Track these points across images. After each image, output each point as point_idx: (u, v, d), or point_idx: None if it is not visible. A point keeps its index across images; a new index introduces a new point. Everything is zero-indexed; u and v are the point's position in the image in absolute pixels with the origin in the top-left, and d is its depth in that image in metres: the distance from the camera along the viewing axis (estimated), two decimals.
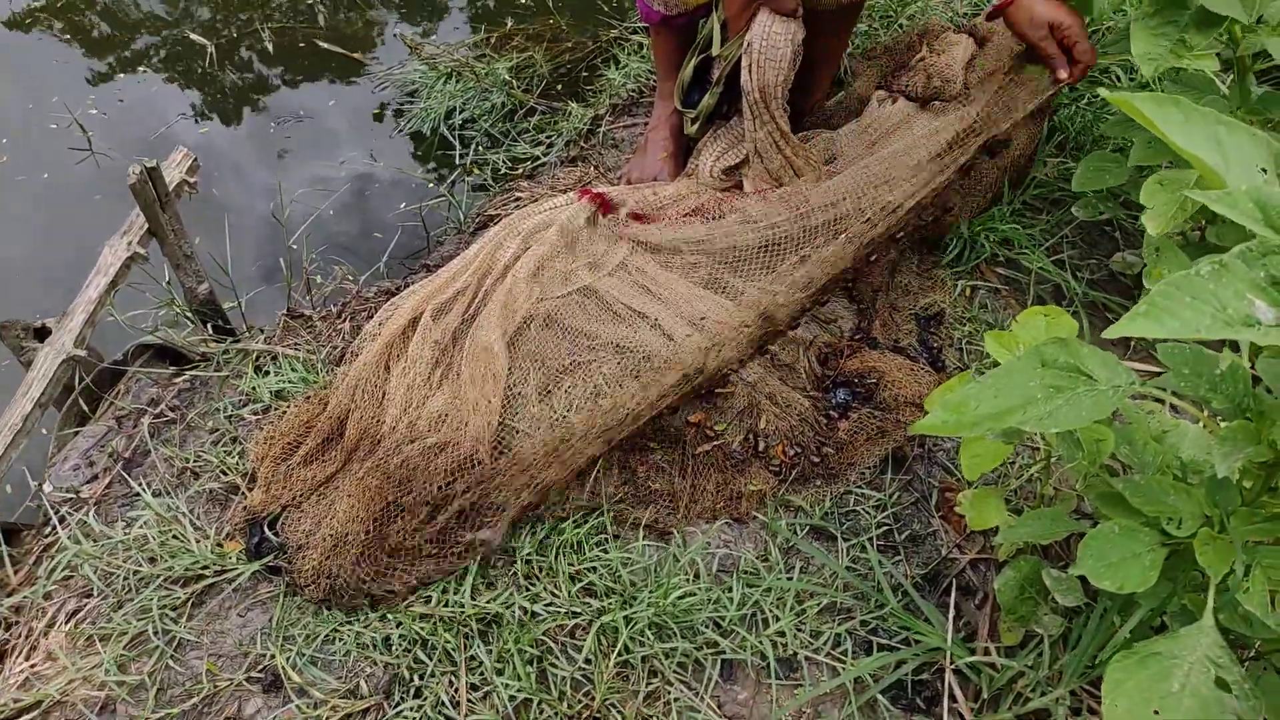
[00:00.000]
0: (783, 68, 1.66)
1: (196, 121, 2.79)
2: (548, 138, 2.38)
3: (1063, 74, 1.65)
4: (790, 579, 1.39)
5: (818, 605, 1.36)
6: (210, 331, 1.89)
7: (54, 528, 1.48)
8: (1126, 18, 1.59)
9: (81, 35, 3.13)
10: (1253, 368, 1.01)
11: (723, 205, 1.79)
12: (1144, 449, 1.17)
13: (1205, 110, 0.94)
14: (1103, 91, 0.97)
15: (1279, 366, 0.99)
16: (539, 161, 2.31)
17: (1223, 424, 0.97)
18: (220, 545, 1.42)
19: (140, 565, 1.40)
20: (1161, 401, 1.17)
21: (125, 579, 1.39)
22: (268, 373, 1.66)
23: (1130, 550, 1.01)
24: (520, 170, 2.36)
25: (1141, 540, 1.02)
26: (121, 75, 2.94)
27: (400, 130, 2.68)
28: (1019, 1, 1.63)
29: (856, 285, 1.82)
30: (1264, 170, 0.92)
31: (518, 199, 2.03)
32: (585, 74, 2.70)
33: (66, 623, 1.37)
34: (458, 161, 2.53)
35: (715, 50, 1.80)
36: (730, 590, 1.36)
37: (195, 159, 1.91)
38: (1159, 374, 1.61)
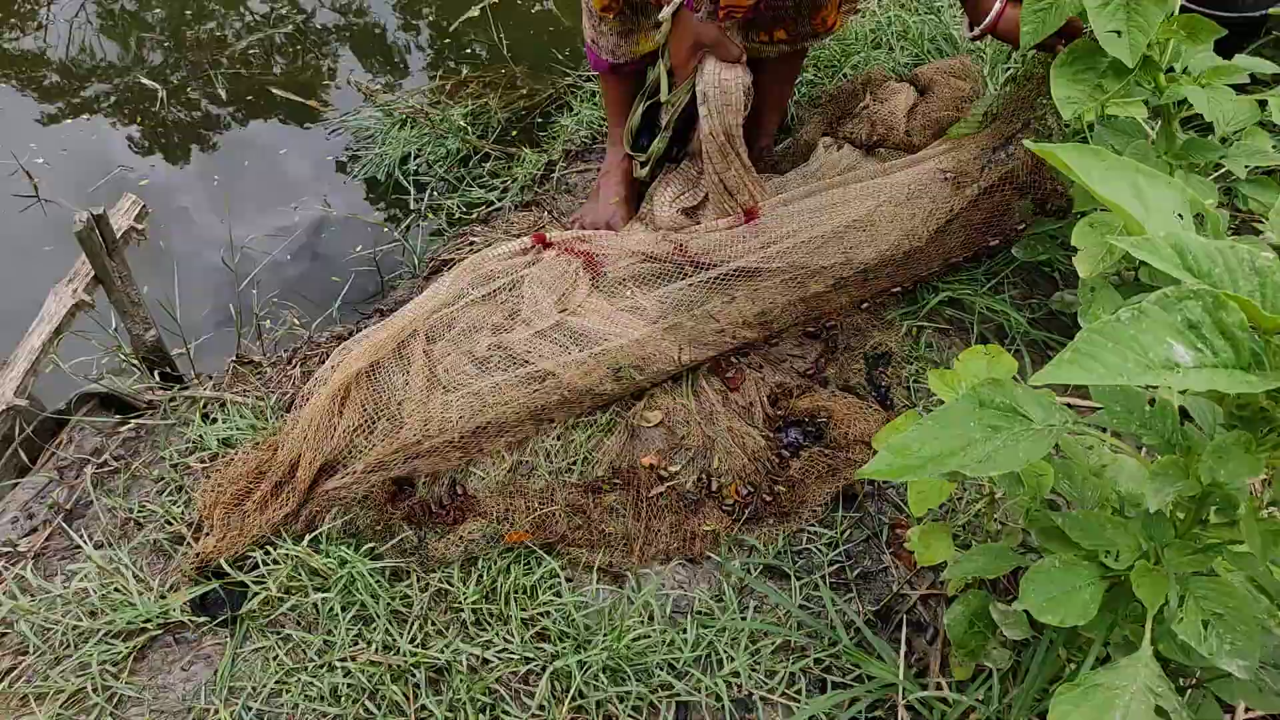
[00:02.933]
0: (739, 110, 1.72)
1: (149, 167, 2.76)
2: (502, 182, 2.40)
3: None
4: (744, 619, 1.40)
5: (772, 644, 1.37)
6: (157, 379, 1.86)
7: None
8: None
9: (27, 80, 3.10)
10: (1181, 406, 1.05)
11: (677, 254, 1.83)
12: (1083, 483, 1.20)
13: (1124, 160, 0.98)
14: (1026, 143, 1.01)
15: (1204, 402, 1.03)
16: (493, 206, 2.32)
17: (1152, 460, 1.00)
18: (164, 597, 1.39)
19: (80, 620, 1.36)
20: (1105, 430, 1.20)
21: (64, 634, 1.35)
22: (215, 420, 1.64)
23: (1071, 584, 1.03)
24: (475, 215, 2.37)
25: (1081, 574, 1.04)
26: (69, 121, 2.92)
27: (355, 176, 2.69)
28: (1010, 16, 1.70)
29: (817, 323, 1.86)
30: (1180, 216, 0.97)
31: (472, 243, 2.04)
32: (540, 120, 2.73)
33: (0, 682, 1.33)
34: (412, 206, 2.54)
35: (663, 96, 1.84)
36: (685, 631, 1.36)
37: (144, 205, 1.90)
38: (1098, 408, 1.66)
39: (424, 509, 1.47)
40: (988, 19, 1.74)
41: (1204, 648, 0.94)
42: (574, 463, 1.57)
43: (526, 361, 1.64)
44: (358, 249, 2.49)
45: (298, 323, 2.09)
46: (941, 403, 1.39)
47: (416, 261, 2.33)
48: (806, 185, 1.87)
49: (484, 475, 1.54)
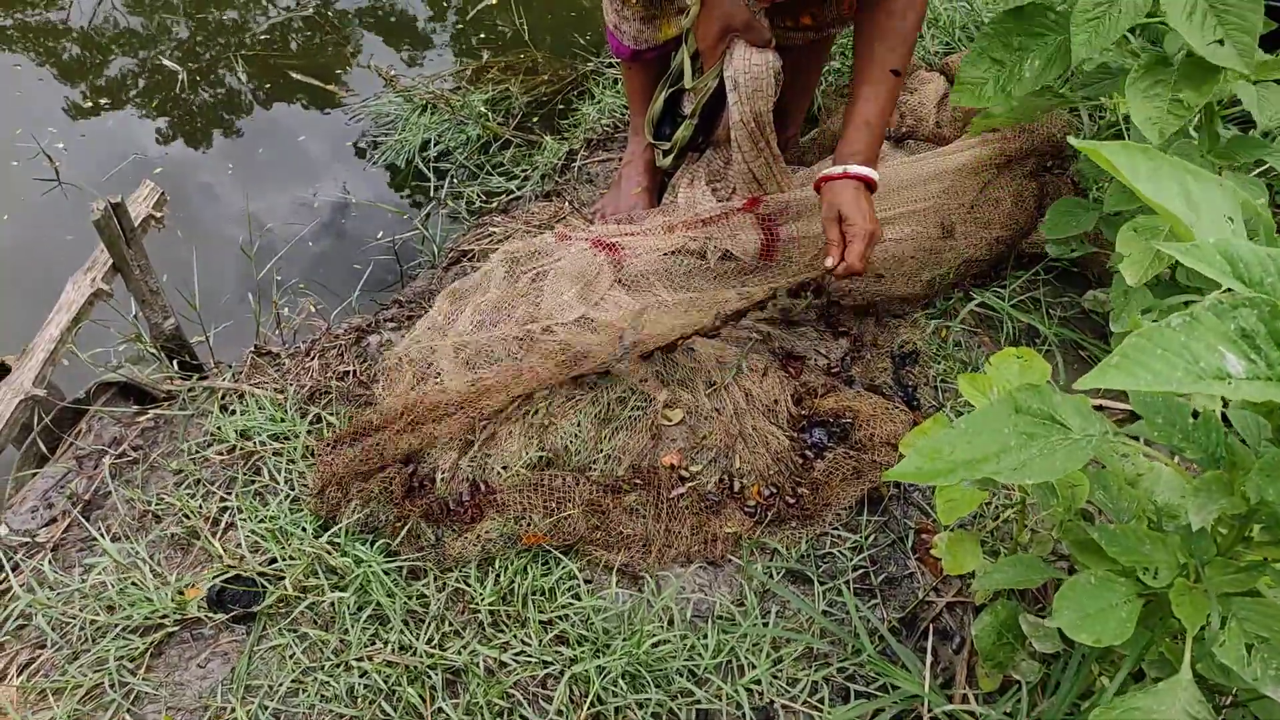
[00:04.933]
0: (769, 95, 1.68)
1: (166, 153, 2.75)
2: (522, 171, 2.37)
3: (829, 262, 1.57)
4: (766, 625, 1.37)
5: (794, 652, 1.34)
6: (176, 368, 1.85)
7: (7, 575, 1.43)
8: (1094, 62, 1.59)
9: (48, 62, 3.09)
10: (1224, 417, 1.01)
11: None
12: (1119, 494, 1.17)
13: (1173, 159, 0.94)
14: (1071, 140, 0.97)
15: (1250, 416, 0.99)
16: (513, 195, 2.29)
17: (1196, 476, 0.96)
18: (181, 593, 1.38)
19: (98, 614, 1.35)
20: (1138, 438, 1.17)
21: (81, 629, 1.35)
22: (234, 412, 1.63)
23: (1107, 601, 1.00)
24: (495, 204, 2.35)
25: (1118, 591, 1.01)
26: (89, 104, 2.91)
27: (375, 162, 2.66)
28: (834, 185, 1.59)
29: (840, 315, 1.82)
30: (1231, 220, 0.92)
31: (491, 233, 2.01)
32: (561, 106, 2.70)
33: (19, 676, 1.32)
34: (432, 194, 2.52)
35: (688, 83, 1.80)
36: (705, 637, 1.34)
37: (163, 193, 1.88)
38: (1135, 415, 1.62)
39: (442, 507, 1.46)
40: (835, 170, 1.60)
41: (1247, 673, 0.91)
42: (594, 461, 1.55)
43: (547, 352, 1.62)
44: (379, 235, 2.47)
45: (314, 310, 2.07)
46: (971, 407, 1.36)
47: (436, 250, 2.31)
48: None
49: (502, 471, 1.51)
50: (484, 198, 2.38)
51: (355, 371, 1.66)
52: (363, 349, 1.73)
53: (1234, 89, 1.45)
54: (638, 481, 1.52)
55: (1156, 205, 0.91)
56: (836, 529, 1.51)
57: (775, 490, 1.53)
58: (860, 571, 1.46)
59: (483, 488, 1.49)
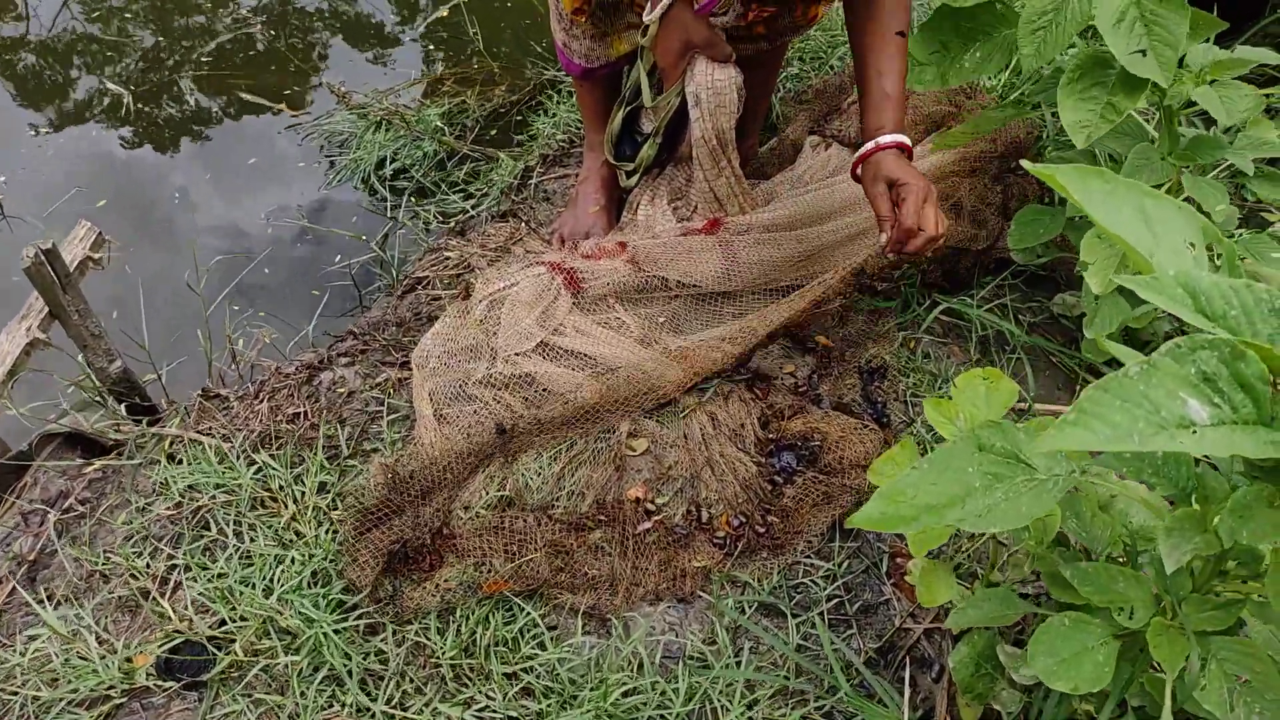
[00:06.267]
0: (732, 112, 1.64)
1: (112, 181, 2.67)
2: (479, 189, 2.31)
3: (883, 238, 1.46)
4: (739, 664, 1.33)
5: (769, 692, 1.30)
6: (125, 412, 1.78)
7: None
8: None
9: None
10: None
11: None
12: (1092, 522, 1.13)
13: (1130, 182, 0.90)
14: (1024, 163, 0.93)
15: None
16: (470, 215, 2.24)
17: (1167, 513, 0.93)
18: (129, 660, 1.32)
19: (40, 690, 1.29)
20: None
21: (24, 705, 1.29)
22: (181, 461, 1.57)
23: (1082, 644, 0.96)
24: (452, 223, 2.29)
25: (1093, 632, 0.97)
26: (32, 133, 2.82)
27: (330, 184, 2.60)
28: (872, 159, 1.48)
29: (806, 333, 1.78)
30: (1192, 245, 0.89)
31: (446, 258, 1.96)
32: (519, 117, 2.64)
33: None
34: (389, 214, 2.46)
35: (648, 102, 1.75)
36: (676, 681, 1.30)
37: (100, 233, 1.81)
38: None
39: (401, 554, 1.40)
40: (867, 146, 1.50)
41: (1230, 718, 0.88)
42: (556, 498, 1.50)
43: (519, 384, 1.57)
44: (336, 260, 2.41)
45: (269, 342, 2.01)
46: (938, 433, 1.32)
47: (395, 274, 2.25)
48: (794, 193, 1.79)
49: (463, 513, 1.46)
50: (441, 218, 2.32)
51: (306, 413, 1.60)
52: (314, 388, 1.67)
53: (1191, 94, 1.42)
54: (602, 518, 1.47)
55: (1113, 235, 0.87)
56: (809, 556, 1.47)
57: (744, 519, 1.49)
58: (835, 601, 1.42)
59: (444, 532, 1.44)
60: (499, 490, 1.48)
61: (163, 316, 2.24)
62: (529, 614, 1.34)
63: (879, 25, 1.52)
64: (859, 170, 1.55)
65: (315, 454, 1.51)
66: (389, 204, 2.47)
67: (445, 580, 1.35)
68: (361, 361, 1.73)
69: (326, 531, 1.42)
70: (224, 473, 1.50)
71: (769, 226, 1.73)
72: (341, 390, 1.66)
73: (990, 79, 2.22)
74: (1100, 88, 1.29)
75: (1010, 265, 1.90)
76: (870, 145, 1.51)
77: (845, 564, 1.46)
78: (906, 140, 1.51)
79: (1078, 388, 1.74)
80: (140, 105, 2.88)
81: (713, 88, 1.58)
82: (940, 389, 1.71)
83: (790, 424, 1.59)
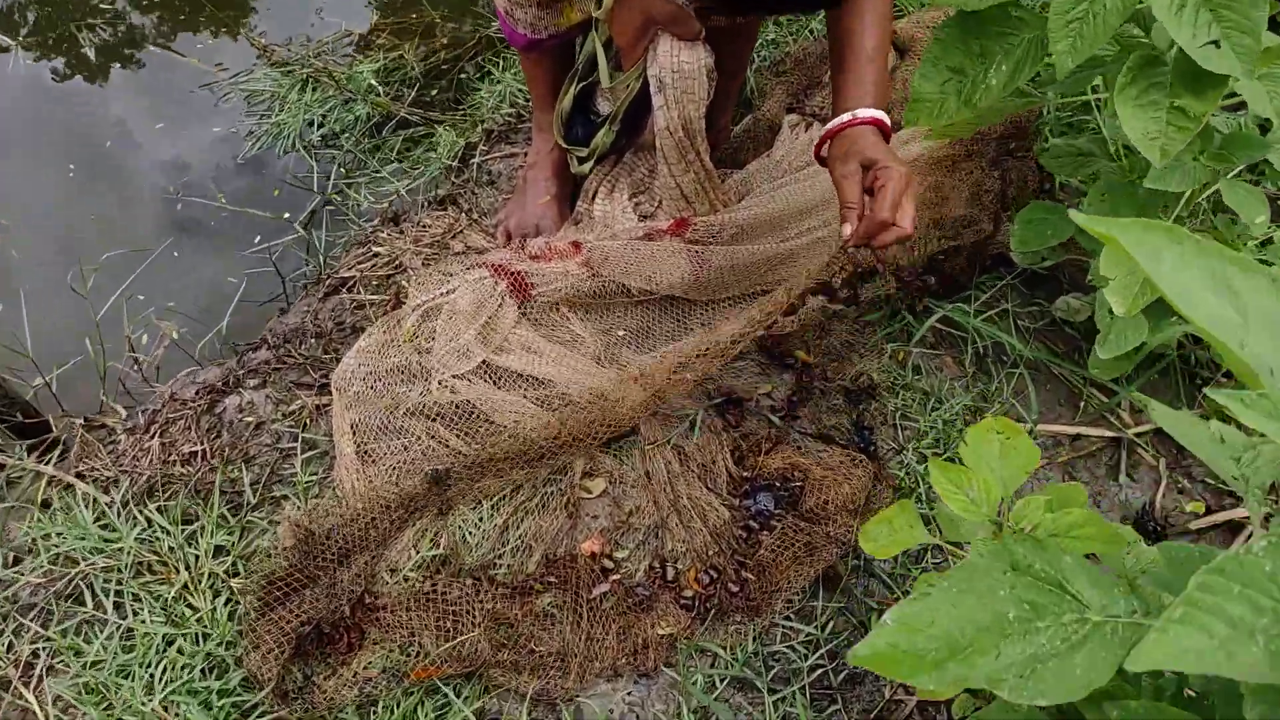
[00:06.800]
0: (701, 98, 1.40)
1: None
2: (415, 167, 2.05)
3: (846, 230, 1.19)
4: None
5: None
6: (4, 433, 1.54)
7: None
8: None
9: None
10: None
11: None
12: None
13: (1205, 243, 0.69)
14: (1074, 215, 0.72)
15: None
16: (404, 198, 1.98)
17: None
18: None
19: None
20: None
21: None
22: (54, 511, 1.33)
23: None
24: (386, 204, 2.03)
25: None
26: None
27: (249, 152, 2.31)
28: (845, 134, 1.22)
29: (784, 348, 1.58)
30: None
31: (375, 254, 1.71)
32: (463, 76, 2.36)
33: None
34: (316, 189, 2.19)
35: (605, 81, 1.51)
36: None
37: None
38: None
39: (314, 634, 1.20)
40: (841, 119, 1.24)
41: None
42: (498, 554, 1.30)
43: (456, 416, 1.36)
44: (256, 241, 2.15)
45: (175, 339, 1.77)
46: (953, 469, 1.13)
47: (322, 261, 2.00)
48: (771, 186, 1.57)
49: (388, 576, 1.26)
50: (373, 199, 2.06)
51: (205, 452, 1.37)
52: (216, 417, 1.44)
53: (1234, 87, 1.21)
54: (552, 579, 1.28)
55: (1189, 314, 0.67)
56: (788, 618, 1.29)
57: (715, 575, 1.30)
58: (818, 672, 1.25)
59: (365, 601, 1.23)
60: (431, 548, 1.28)
61: (55, 312, 1.97)
62: (463, 712, 1.14)
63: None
64: (825, 149, 1.29)
65: (212, 509, 1.28)
66: (315, 177, 2.21)
67: (366, 666, 1.15)
68: (274, 383, 1.49)
69: (225, 604, 1.21)
70: (102, 536, 1.27)
71: (744, 227, 1.51)
72: (249, 420, 1.43)
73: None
74: (1157, 90, 1.07)
75: (1008, 262, 1.71)
76: (845, 118, 1.23)
77: (830, 625, 1.29)
78: (886, 119, 1.25)
79: (1081, 404, 1.57)
80: (31, 58, 2.54)
81: (679, 71, 1.34)
82: (932, 411, 1.52)
83: (768, 460, 1.40)
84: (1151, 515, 1.48)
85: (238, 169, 2.31)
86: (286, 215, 2.19)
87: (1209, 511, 1.46)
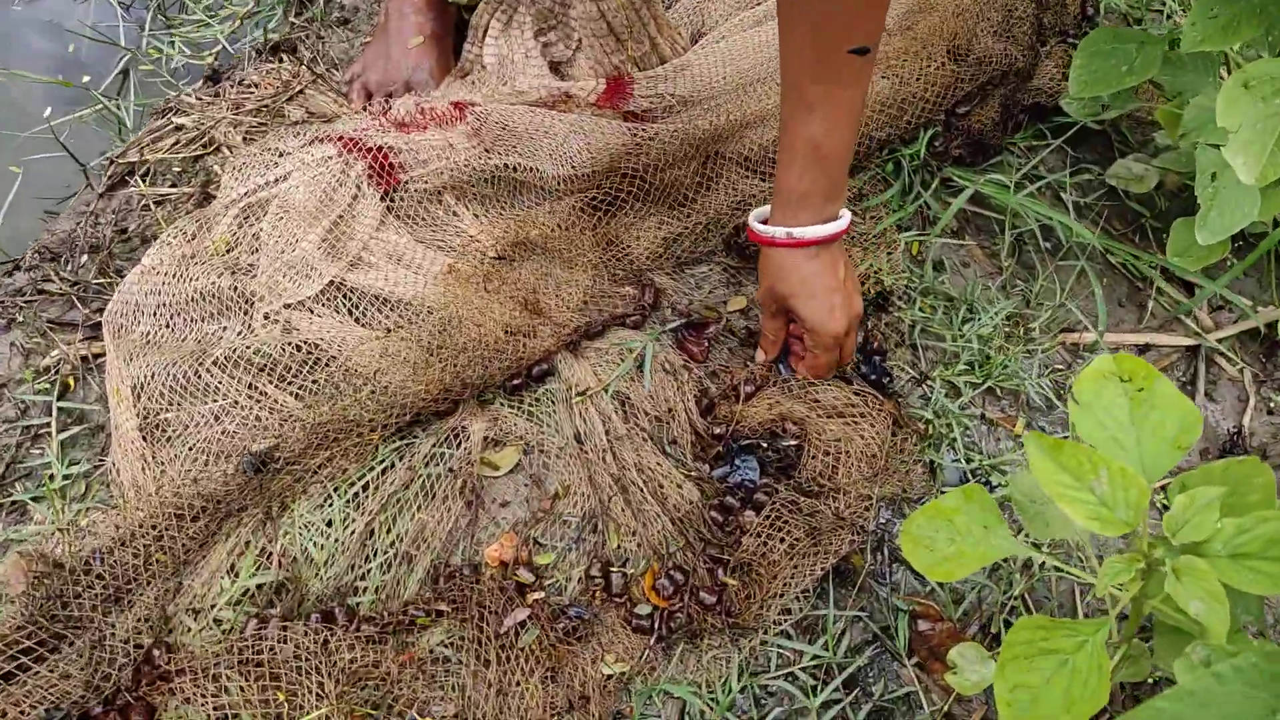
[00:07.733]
0: None
1: None
2: (241, 4, 1.51)
3: (760, 356, 1.03)
4: None
5: None
6: None
7: None
8: None
9: None
10: None
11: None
12: None
13: None
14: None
15: None
16: (231, 33, 1.45)
17: None
18: None
19: None
20: None
21: None
22: None
23: None
24: (211, 58, 1.50)
25: None
26: None
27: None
28: (772, 256, 0.94)
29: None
30: None
31: (178, 128, 1.21)
32: None
33: None
34: (124, 43, 1.64)
35: None
36: None
37: None
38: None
39: (79, 711, 0.78)
40: (766, 233, 0.93)
41: None
42: (362, 572, 0.88)
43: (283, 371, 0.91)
44: (46, 115, 1.60)
45: None
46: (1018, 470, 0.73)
47: (129, 139, 1.47)
48: (737, 22, 1.10)
49: (191, 622, 0.83)
50: (190, 52, 1.52)
51: None
52: None
53: None
54: (443, 606, 0.86)
55: None
56: (786, 634, 0.91)
57: (682, 579, 0.91)
58: (832, 711, 0.88)
59: (154, 663, 0.81)
60: (254, 571, 0.85)
61: None
62: None
63: (813, 30, 0.79)
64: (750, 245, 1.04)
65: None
66: (125, 25, 1.65)
67: None
68: (22, 324, 1.01)
69: None
70: None
71: (702, 84, 1.05)
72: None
73: None
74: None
75: (1044, 114, 1.29)
76: (781, 234, 0.91)
77: (843, 640, 0.91)
78: (842, 225, 0.93)
79: (1150, 304, 1.19)
80: None
81: None
82: (963, 323, 1.12)
83: (748, 409, 0.99)
84: (1241, 443, 1.14)
85: (17, 20, 1.73)
86: (87, 80, 1.64)
87: None
